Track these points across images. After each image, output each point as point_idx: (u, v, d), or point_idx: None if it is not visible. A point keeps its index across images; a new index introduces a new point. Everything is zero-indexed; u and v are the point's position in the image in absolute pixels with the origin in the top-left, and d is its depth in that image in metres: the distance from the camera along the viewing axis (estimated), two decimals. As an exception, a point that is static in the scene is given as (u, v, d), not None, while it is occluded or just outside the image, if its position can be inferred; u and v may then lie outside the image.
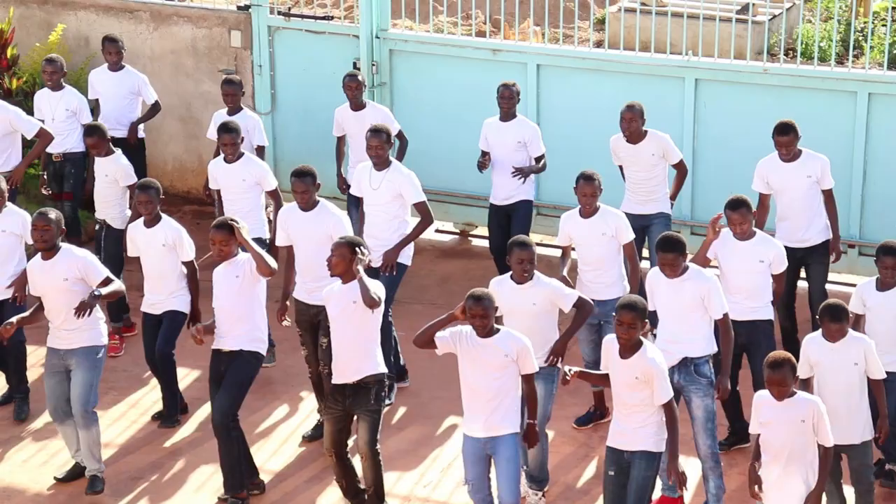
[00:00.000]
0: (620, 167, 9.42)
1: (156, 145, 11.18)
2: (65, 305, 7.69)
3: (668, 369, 7.05)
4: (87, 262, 7.74)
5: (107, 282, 7.75)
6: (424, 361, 8.95)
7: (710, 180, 10.14)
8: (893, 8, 11.50)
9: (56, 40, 11.79)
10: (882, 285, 7.68)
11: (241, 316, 7.65)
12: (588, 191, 8.22)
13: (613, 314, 7.51)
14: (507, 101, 9.70)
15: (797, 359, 6.86)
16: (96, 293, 7.64)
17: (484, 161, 9.82)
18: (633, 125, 9.21)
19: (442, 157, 11.08)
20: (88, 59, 11.83)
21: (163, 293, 8.48)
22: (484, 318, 6.81)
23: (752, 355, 7.93)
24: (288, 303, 8.38)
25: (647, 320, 6.84)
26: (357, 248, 7.31)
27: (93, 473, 7.89)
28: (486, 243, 10.83)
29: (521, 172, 9.70)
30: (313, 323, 8.20)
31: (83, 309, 7.57)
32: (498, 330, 6.90)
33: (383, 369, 7.42)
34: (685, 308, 7.44)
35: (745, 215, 7.87)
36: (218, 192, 9.30)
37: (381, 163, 8.78)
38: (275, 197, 9.20)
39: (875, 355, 7.10)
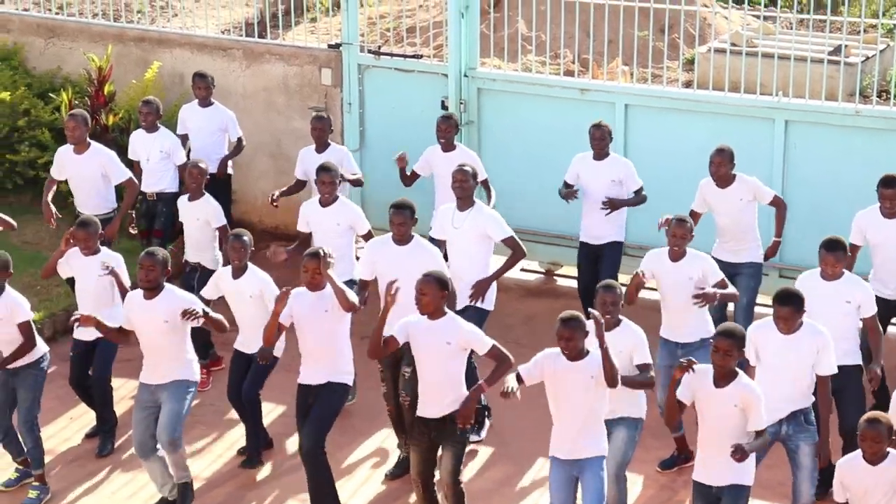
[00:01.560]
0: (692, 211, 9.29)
1: (246, 180, 11.35)
2: (161, 345, 7.81)
3: (777, 421, 7.01)
4: (189, 301, 7.84)
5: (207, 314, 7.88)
6: (509, 403, 8.94)
7: (799, 223, 10.03)
8: None
9: (152, 77, 12.03)
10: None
11: (329, 349, 7.71)
12: (679, 233, 8.19)
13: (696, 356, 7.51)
14: (599, 141, 9.72)
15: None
16: (203, 310, 7.77)
17: (570, 192, 9.79)
18: (721, 169, 9.15)
19: (528, 196, 11.10)
20: (183, 96, 12.05)
21: (253, 337, 8.46)
22: (570, 340, 6.83)
23: (841, 401, 7.81)
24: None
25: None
26: (447, 286, 7.31)
27: (182, 481, 8.01)
28: (571, 283, 10.84)
29: (612, 205, 9.68)
30: (396, 358, 8.24)
31: (190, 316, 7.68)
32: (588, 352, 6.91)
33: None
34: (800, 364, 7.31)
35: (841, 259, 7.77)
36: (308, 234, 9.29)
37: (465, 199, 8.77)
38: (368, 240, 9.22)
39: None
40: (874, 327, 7.91)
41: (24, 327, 8.08)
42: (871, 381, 7.79)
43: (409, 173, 10.27)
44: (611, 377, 6.88)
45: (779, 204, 9.37)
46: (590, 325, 6.97)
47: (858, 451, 6.57)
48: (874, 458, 6.46)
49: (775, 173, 10.31)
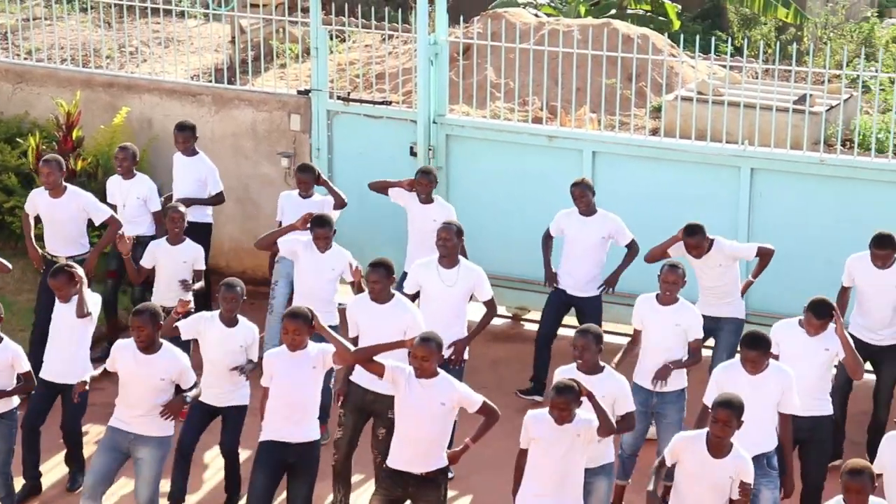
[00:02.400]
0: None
1: (214, 225, 11.31)
2: (151, 400, 7.72)
3: None
4: (185, 367, 7.76)
5: (193, 386, 7.80)
6: (476, 446, 8.90)
7: (766, 270, 10.06)
8: (952, 100, 11.45)
9: (120, 123, 12.02)
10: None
11: (311, 406, 7.62)
12: (671, 278, 8.21)
13: (670, 407, 7.52)
14: (580, 199, 9.75)
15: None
16: (187, 399, 7.70)
17: (552, 278, 9.89)
18: (698, 251, 9.08)
19: (496, 241, 11.12)
20: (151, 140, 12.04)
21: (226, 387, 8.37)
22: (563, 410, 6.84)
23: (808, 451, 7.82)
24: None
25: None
26: (443, 348, 7.26)
27: None
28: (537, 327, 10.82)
29: (608, 284, 9.81)
30: (364, 409, 8.17)
31: (173, 412, 7.64)
32: (574, 415, 6.91)
33: (446, 462, 7.39)
34: (765, 404, 7.36)
35: (826, 324, 7.82)
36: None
37: (450, 256, 8.77)
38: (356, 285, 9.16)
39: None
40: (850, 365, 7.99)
41: (27, 377, 8.18)
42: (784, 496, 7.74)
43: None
44: (606, 429, 6.93)
45: (764, 254, 9.38)
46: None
47: (839, 498, 6.57)
48: None
49: (741, 220, 10.38)
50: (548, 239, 10.05)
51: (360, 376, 8.17)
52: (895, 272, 8.81)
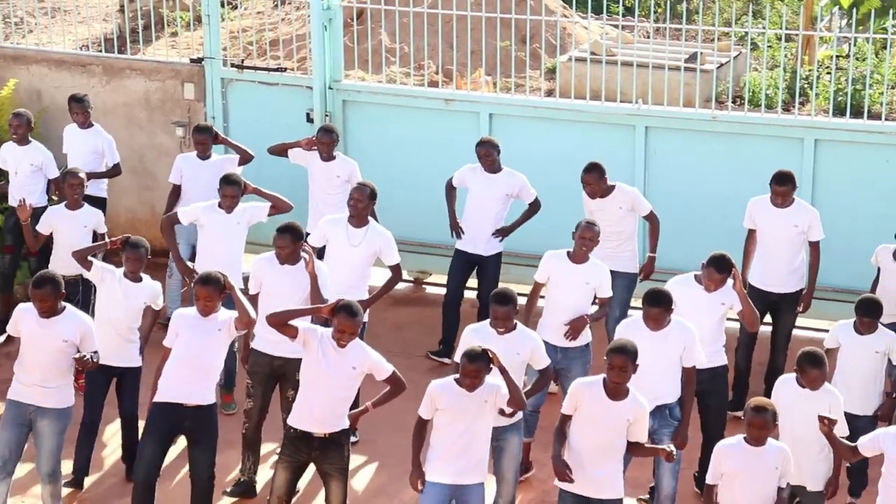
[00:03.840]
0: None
1: (108, 197, 11.15)
2: (52, 365, 7.59)
3: None
4: (89, 329, 7.62)
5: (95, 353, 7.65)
6: (381, 408, 8.94)
7: (662, 227, 10.22)
8: (837, 56, 11.72)
9: (8, 94, 11.76)
10: (861, 330, 7.84)
11: (212, 371, 7.61)
12: (588, 235, 8.28)
13: (575, 362, 7.62)
14: (485, 158, 9.77)
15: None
16: (95, 359, 7.57)
17: (457, 227, 9.91)
18: (594, 188, 9.27)
19: (396, 206, 11.12)
20: (40, 113, 11.80)
21: (124, 346, 8.33)
22: (475, 378, 6.86)
23: (706, 402, 8.00)
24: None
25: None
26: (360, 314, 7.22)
27: None
28: (440, 291, 10.88)
29: (502, 233, 9.78)
30: (272, 375, 8.16)
31: (83, 365, 7.49)
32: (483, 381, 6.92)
33: (347, 424, 7.41)
34: (667, 358, 7.48)
35: (725, 279, 7.92)
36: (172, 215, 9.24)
37: (360, 218, 8.77)
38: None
39: (842, 410, 7.15)
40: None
41: None
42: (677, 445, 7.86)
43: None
44: (518, 401, 6.99)
45: (653, 219, 9.52)
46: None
47: (739, 436, 6.76)
48: (758, 443, 6.67)
49: (637, 178, 10.52)
50: (451, 190, 10.06)
51: (264, 343, 8.16)
52: (793, 212, 9.00)
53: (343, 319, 7.10)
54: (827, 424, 6.84)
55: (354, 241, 8.74)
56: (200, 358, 7.54)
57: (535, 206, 9.90)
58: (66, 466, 8.27)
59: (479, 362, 6.85)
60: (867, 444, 6.81)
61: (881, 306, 7.87)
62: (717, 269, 7.91)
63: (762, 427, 6.64)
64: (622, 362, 6.74)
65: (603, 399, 6.82)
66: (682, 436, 7.61)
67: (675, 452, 6.99)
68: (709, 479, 6.88)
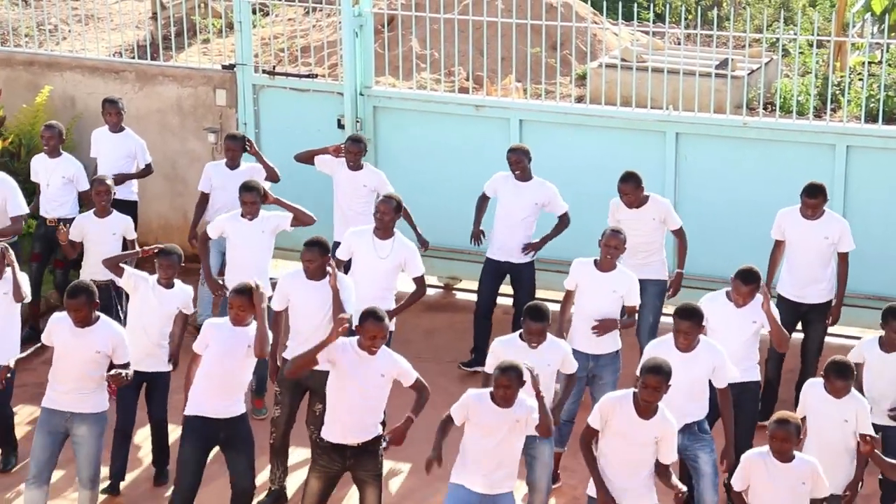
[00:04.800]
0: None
1: (141, 203, 11.24)
2: (85, 374, 7.64)
3: None
4: (122, 340, 7.66)
5: (127, 364, 7.69)
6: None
7: (691, 233, 10.20)
8: (869, 62, 11.68)
9: (43, 102, 11.87)
10: (887, 346, 7.75)
11: (240, 383, 7.62)
12: (613, 243, 8.28)
13: (606, 369, 7.60)
14: (516, 165, 9.77)
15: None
16: (129, 375, 7.62)
17: (478, 235, 9.92)
18: (631, 198, 9.23)
19: (426, 212, 11.13)
20: (74, 119, 11.90)
21: (154, 352, 8.39)
22: (508, 388, 6.83)
23: (737, 417, 7.98)
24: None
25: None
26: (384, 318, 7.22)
27: None
28: (470, 297, 10.90)
29: (532, 248, 9.81)
30: (300, 385, 8.14)
31: (117, 382, 7.56)
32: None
33: (381, 431, 7.44)
34: (695, 378, 7.46)
35: (754, 291, 7.90)
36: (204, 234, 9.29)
37: (386, 230, 8.80)
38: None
39: (868, 417, 7.13)
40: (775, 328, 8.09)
41: None
42: (724, 469, 7.86)
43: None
44: (546, 428, 6.99)
45: (681, 235, 9.49)
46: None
47: (767, 448, 6.72)
48: (782, 456, 6.62)
49: (668, 184, 10.51)
50: (483, 200, 10.06)
51: (294, 353, 8.15)
52: (824, 224, 8.98)
53: (371, 326, 7.12)
54: (869, 442, 6.77)
55: (382, 253, 8.76)
56: (230, 373, 7.55)
57: (564, 220, 9.85)
58: (103, 472, 8.31)
59: (511, 374, 6.82)
60: None
61: None
62: (743, 280, 7.88)
63: (784, 440, 6.58)
64: (657, 382, 6.72)
65: (632, 416, 6.81)
66: (728, 457, 7.57)
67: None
68: (736, 486, 6.86)
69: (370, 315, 7.13)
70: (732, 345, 7.80)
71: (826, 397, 7.11)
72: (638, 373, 6.86)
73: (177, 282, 8.47)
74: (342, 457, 7.30)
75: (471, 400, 6.98)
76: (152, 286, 8.41)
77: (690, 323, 7.35)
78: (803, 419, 7.12)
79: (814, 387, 7.23)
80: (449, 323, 10.84)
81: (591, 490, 6.96)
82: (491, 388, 6.92)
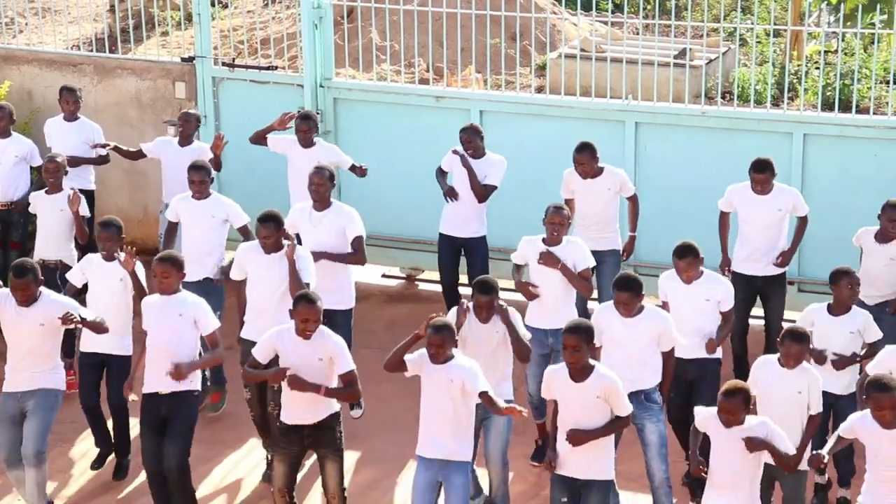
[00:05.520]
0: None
1: (101, 196, 11.19)
2: (34, 350, 7.62)
3: None
4: (67, 306, 7.62)
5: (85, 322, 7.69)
6: (375, 404, 9.00)
7: (651, 221, 10.29)
8: (826, 51, 11.79)
9: (2, 95, 11.78)
10: (835, 309, 7.92)
11: (185, 353, 7.59)
12: (557, 220, 8.34)
13: None
14: (467, 144, 9.82)
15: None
16: (81, 316, 7.59)
17: (452, 192, 9.89)
18: (586, 167, 9.36)
19: (387, 203, 11.18)
20: (32, 113, 11.83)
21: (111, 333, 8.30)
22: (440, 347, 6.94)
23: (698, 390, 8.05)
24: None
25: (594, 344, 6.94)
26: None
27: None
28: (432, 287, 10.93)
29: (469, 170, 9.77)
30: (263, 366, 8.17)
31: (69, 321, 7.50)
32: (452, 357, 6.99)
33: (338, 408, 7.46)
34: (640, 345, 7.56)
35: (692, 263, 7.98)
36: (172, 224, 9.27)
37: (321, 200, 8.82)
38: (245, 234, 9.19)
39: (819, 389, 7.22)
40: (728, 323, 8.19)
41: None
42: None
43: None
44: (519, 350, 7.21)
45: (634, 200, 9.63)
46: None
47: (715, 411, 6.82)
48: (727, 425, 6.71)
49: (627, 173, 10.51)
50: (442, 174, 10.04)
51: (254, 331, 8.15)
52: (774, 197, 9.09)
53: (303, 308, 7.15)
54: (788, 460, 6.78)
55: (314, 221, 8.79)
56: (169, 343, 7.58)
57: (488, 191, 9.82)
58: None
59: (444, 333, 6.92)
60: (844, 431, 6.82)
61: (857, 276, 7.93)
62: (679, 256, 7.95)
63: (730, 411, 6.66)
64: (574, 342, 6.80)
65: (568, 381, 6.91)
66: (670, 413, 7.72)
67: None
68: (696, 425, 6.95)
69: (301, 298, 7.19)
70: (688, 318, 7.90)
71: (780, 371, 7.19)
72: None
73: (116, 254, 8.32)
74: (300, 436, 7.37)
75: (422, 354, 7.06)
76: (99, 264, 8.38)
77: (629, 293, 7.48)
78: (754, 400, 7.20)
79: (766, 363, 7.32)
80: (411, 313, 10.86)
81: (560, 468, 7.04)
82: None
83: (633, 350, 7.53)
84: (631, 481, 8.13)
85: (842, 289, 7.90)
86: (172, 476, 7.63)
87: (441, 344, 6.93)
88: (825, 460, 6.73)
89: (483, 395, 6.90)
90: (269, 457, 8.42)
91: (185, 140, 10.27)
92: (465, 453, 7.11)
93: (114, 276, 8.31)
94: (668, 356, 7.68)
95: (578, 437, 6.89)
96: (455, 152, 9.90)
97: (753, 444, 6.66)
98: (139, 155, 10.59)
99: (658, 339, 7.59)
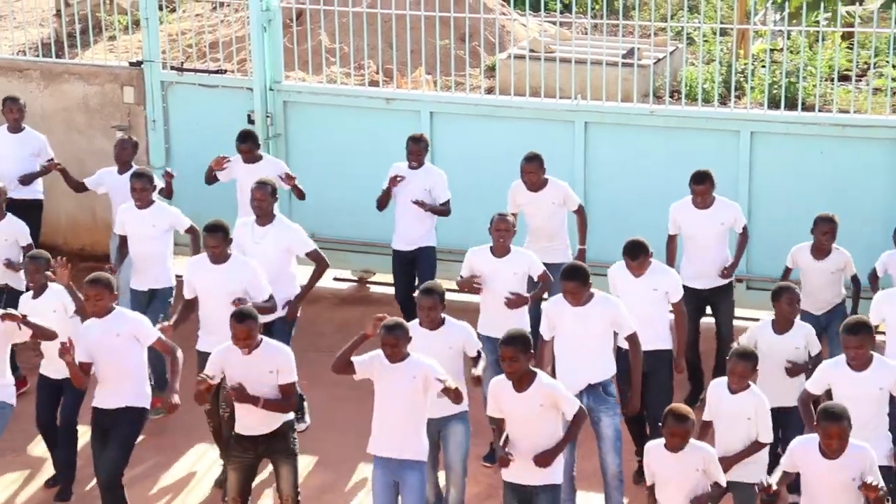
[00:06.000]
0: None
1: (49, 202, 11.11)
2: None
3: (576, 394, 7.20)
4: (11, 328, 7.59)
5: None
6: (326, 407, 8.99)
7: (600, 220, 10.34)
8: (772, 50, 11.90)
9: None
10: (778, 327, 7.91)
11: (123, 373, 7.58)
12: (502, 227, 8.36)
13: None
14: (416, 154, 9.81)
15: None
16: (27, 320, 7.58)
17: (385, 196, 9.87)
18: (533, 177, 9.35)
19: (338, 205, 11.17)
20: (-22, 119, 11.72)
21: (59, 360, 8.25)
22: (395, 346, 6.95)
23: (648, 384, 8.09)
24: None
25: (533, 352, 6.94)
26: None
27: None
28: (384, 290, 10.92)
29: (422, 206, 9.76)
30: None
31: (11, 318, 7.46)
32: (408, 354, 7.01)
33: (292, 415, 7.47)
34: (593, 334, 7.58)
35: (643, 264, 8.03)
36: (123, 237, 9.27)
37: (263, 216, 8.79)
38: (193, 232, 9.17)
39: (768, 417, 7.20)
40: (680, 311, 8.23)
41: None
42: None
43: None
44: (456, 397, 7.03)
45: (581, 213, 9.63)
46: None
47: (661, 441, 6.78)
48: (675, 449, 6.67)
49: (577, 173, 10.62)
50: (383, 198, 10.09)
51: (207, 344, 8.15)
52: (716, 211, 9.14)
53: (233, 326, 7.18)
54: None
55: (257, 237, 8.75)
56: (117, 365, 7.56)
57: (446, 208, 9.85)
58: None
59: (398, 332, 6.93)
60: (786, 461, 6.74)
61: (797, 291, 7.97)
62: (631, 256, 7.99)
63: (677, 435, 6.61)
64: (510, 353, 6.79)
65: (511, 392, 6.91)
66: (633, 403, 7.72)
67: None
68: (647, 479, 6.92)
69: (231, 316, 7.21)
70: (636, 310, 7.90)
71: (729, 397, 7.17)
72: None
73: (50, 285, 8.24)
74: (255, 445, 7.38)
75: (373, 356, 7.06)
76: (27, 299, 8.31)
77: (575, 283, 7.51)
78: (709, 422, 7.22)
79: (717, 387, 7.32)
80: (363, 316, 10.79)
81: (505, 474, 7.05)
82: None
83: (587, 341, 7.55)
84: (583, 480, 8.17)
85: (782, 305, 7.87)
86: (101, 486, 7.61)
87: (396, 343, 6.95)
88: (773, 489, 6.49)
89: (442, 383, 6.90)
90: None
91: (123, 167, 10.15)
92: (421, 452, 7.13)
93: (47, 310, 8.18)
94: (631, 343, 7.67)
95: (545, 459, 6.88)
96: (398, 177, 9.79)
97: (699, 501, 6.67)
98: (82, 187, 10.46)
99: (612, 326, 7.60)
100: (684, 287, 9.02)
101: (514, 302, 8.34)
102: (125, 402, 7.59)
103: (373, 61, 12.25)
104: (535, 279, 8.46)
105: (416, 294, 7.62)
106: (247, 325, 7.18)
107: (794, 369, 7.83)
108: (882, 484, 6.30)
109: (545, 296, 8.85)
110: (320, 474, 8.65)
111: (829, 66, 11.64)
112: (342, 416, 9.00)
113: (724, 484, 6.81)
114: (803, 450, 6.57)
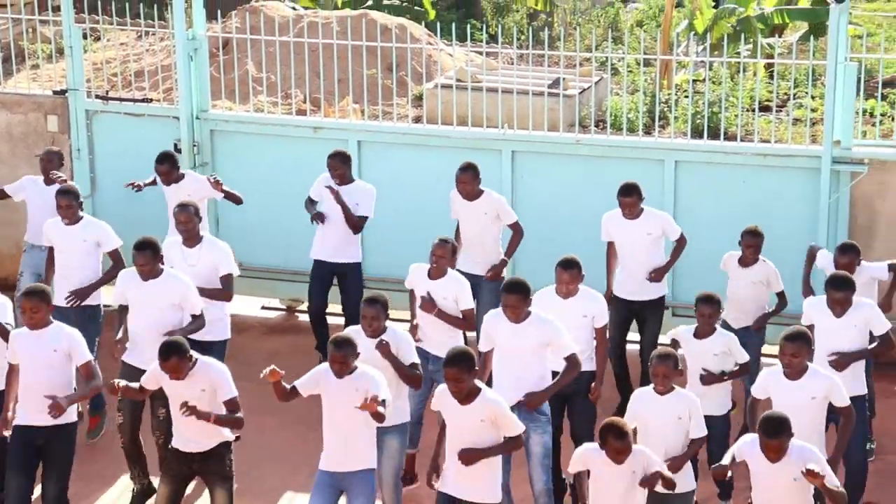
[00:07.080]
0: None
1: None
2: None
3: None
4: None
5: None
6: (257, 437, 8.94)
7: (529, 247, 10.41)
8: (694, 80, 12.09)
9: None
10: (699, 333, 8.07)
11: (58, 389, 7.45)
12: (440, 252, 8.40)
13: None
14: (334, 171, 9.83)
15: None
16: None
17: (319, 215, 9.86)
18: (467, 187, 9.50)
19: (266, 234, 11.14)
20: None
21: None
22: (343, 363, 7.03)
23: (573, 406, 8.15)
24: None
25: (477, 369, 7.00)
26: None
27: None
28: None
29: (341, 205, 9.74)
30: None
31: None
32: (355, 368, 7.07)
33: (231, 437, 7.49)
34: (528, 351, 7.64)
35: (576, 277, 8.12)
36: (50, 249, 9.19)
37: (190, 238, 8.78)
38: (115, 258, 9.11)
39: (700, 413, 7.35)
40: (603, 338, 8.30)
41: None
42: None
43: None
44: (406, 380, 7.30)
45: (517, 229, 9.73)
46: None
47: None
48: (619, 463, 6.76)
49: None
50: (310, 202, 10.05)
51: (134, 357, 8.16)
52: (644, 221, 9.32)
53: (160, 360, 7.18)
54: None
55: (191, 260, 8.74)
56: (47, 378, 7.44)
57: (361, 222, 9.87)
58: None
59: (346, 348, 7.02)
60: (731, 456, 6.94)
61: (718, 301, 8.13)
62: (564, 267, 8.07)
63: (619, 451, 6.71)
64: (454, 374, 6.85)
65: (455, 404, 6.97)
66: (596, 388, 8.01)
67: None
68: (572, 469, 6.99)
69: (159, 353, 7.19)
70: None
71: (655, 399, 7.31)
72: None
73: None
74: (189, 461, 7.39)
75: (318, 373, 7.14)
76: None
77: (516, 297, 7.57)
78: (634, 430, 7.31)
79: (642, 394, 7.44)
80: (292, 345, 10.82)
81: (441, 485, 7.09)
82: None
83: (520, 356, 7.61)
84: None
85: (702, 313, 8.08)
86: None
87: (343, 360, 7.03)
88: (728, 474, 6.77)
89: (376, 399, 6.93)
90: (135, 488, 8.37)
91: (49, 179, 10.07)
92: (370, 460, 7.20)
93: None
94: (568, 363, 7.71)
95: (470, 456, 6.93)
96: (327, 187, 9.88)
97: (646, 483, 6.76)
98: (2, 195, 10.36)
99: (547, 347, 7.66)
100: (615, 297, 9.16)
101: (425, 305, 8.30)
102: (63, 419, 7.47)
103: (300, 90, 12.25)
104: (460, 308, 8.46)
105: (362, 302, 7.65)
106: (171, 362, 7.16)
107: (707, 377, 7.97)
108: (827, 471, 6.47)
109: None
110: (249, 502, 8.58)
111: (751, 97, 11.85)
112: (271, 446, 8.95)
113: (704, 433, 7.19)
114: (749, 449, 6.76)
